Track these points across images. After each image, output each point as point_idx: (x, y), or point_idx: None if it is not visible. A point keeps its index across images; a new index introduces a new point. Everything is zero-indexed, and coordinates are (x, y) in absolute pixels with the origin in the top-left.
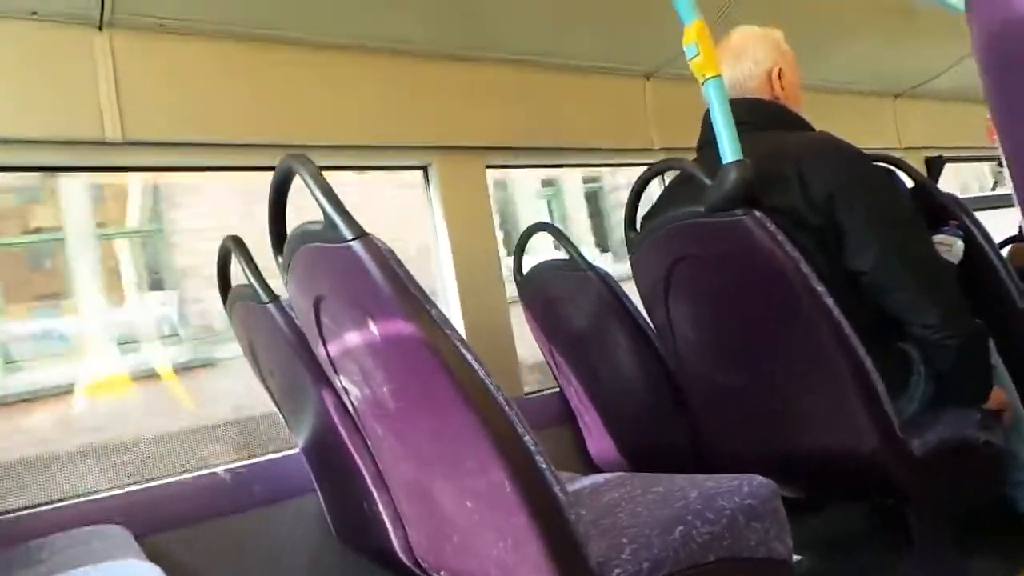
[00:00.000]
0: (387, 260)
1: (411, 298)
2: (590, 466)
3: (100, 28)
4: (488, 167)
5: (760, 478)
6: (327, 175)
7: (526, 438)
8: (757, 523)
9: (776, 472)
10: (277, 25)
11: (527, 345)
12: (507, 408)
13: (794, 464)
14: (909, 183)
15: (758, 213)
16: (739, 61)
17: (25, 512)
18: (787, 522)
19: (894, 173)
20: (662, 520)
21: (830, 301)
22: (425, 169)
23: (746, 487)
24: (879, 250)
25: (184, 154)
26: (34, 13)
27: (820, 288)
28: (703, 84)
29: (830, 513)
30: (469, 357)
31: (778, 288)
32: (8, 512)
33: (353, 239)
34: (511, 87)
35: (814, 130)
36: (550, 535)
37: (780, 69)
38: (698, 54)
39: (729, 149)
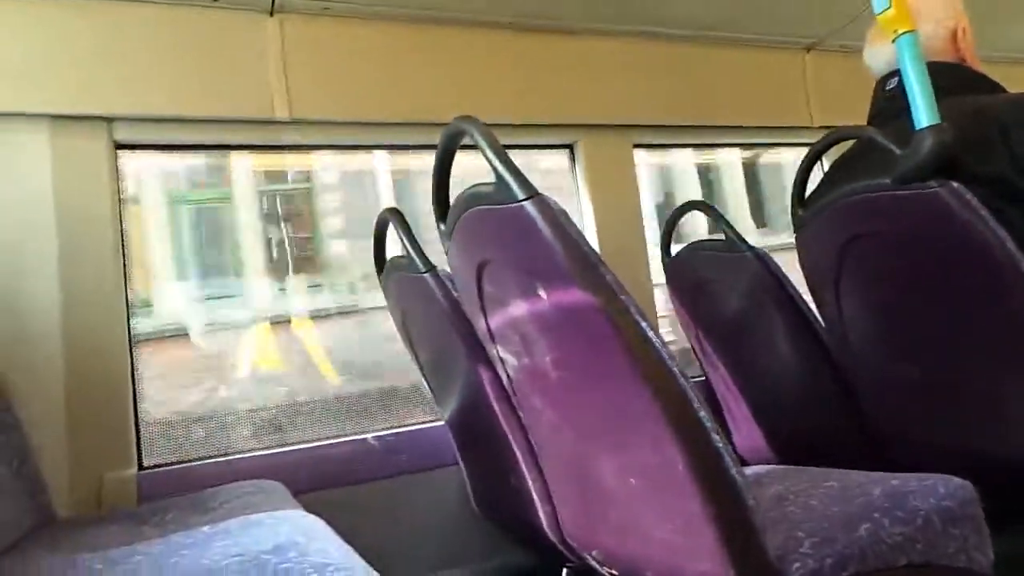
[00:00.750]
0: (560, 220)
1: (586, 262)
2: (737, 459)
3: (271, 13)
4: (636, 146)
5: (957, 479)
6: (477, 155)
7: (702, 414)
8: (955, 529)
9: (966, 479)
10: (431, 6)
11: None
12: (683, 381)
13: (989, 470)
14: None
15: (956, 184)
16: (919, 20)
17: (196, 463)
18: (987, 530)
19: None
20: (843, 515)
21: None
22: (571, 148)
23: (942, 488)
24: None
25: (347, 133)
26: (214, 0)
27: None
28: (895, 41)
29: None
30: (645, 326)
31: (979, 269)
32: (183, 462)
33: (525, 199)
34: (660, 63)
35: (1002, 88)
36: (726, 520)
37: (964, 27)
38: (889, 7)
39: (925, 112)
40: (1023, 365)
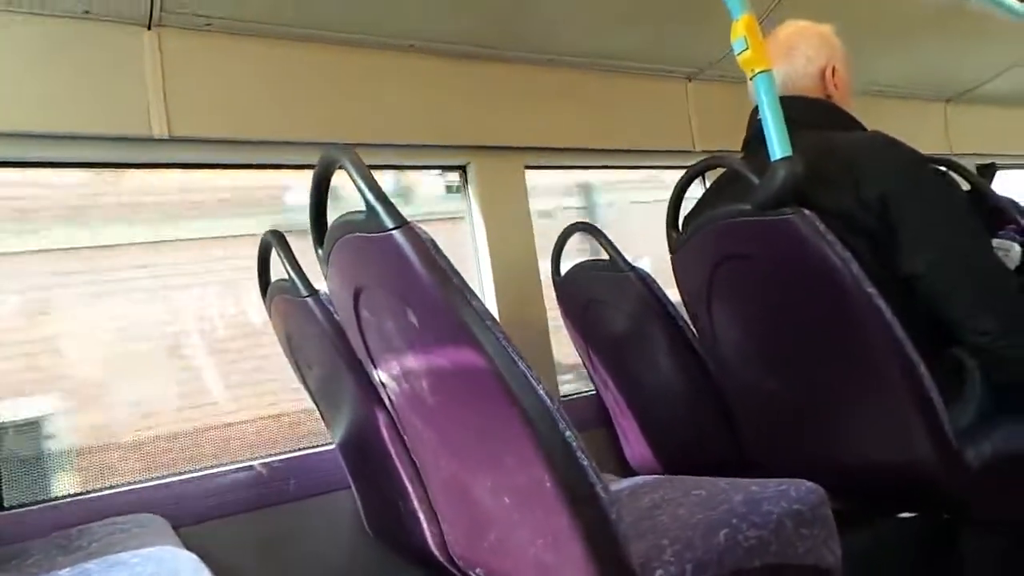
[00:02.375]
0: (428, 250)
1: (453, 288)
2: (626, 471)
3: (148, 27)
4: (527, 167)
5: (808, 483)
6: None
7: (567, 433)
8: (806, 529)
9: (823, 482)
10: (319, 25)
11: (561, 347)
12: (549, 402)
13: (842, 474)
14: (964, 186)
15: (807, 212)
16: (790, 58)
17: (64, 500)
18: (836, 530)
19: (949, 175)
20: (705, 523)
21: (883, 304)
22: (464, 169)
23: (793, 492)
24: (936, 252)
25: (228, 151)
26: (86, 12)
27: (872, 290)
28: (752, 79)
29: (878, 528)
30: (511, 350)
31: (828, 290)
32: (47, 500)
33: (394, 228)
34: (550, 88)
35: (866, 130)
36: (591, 533)
37: (834, 67)
38: (747, 48)
39: (778, 145)
40: (866, 377)
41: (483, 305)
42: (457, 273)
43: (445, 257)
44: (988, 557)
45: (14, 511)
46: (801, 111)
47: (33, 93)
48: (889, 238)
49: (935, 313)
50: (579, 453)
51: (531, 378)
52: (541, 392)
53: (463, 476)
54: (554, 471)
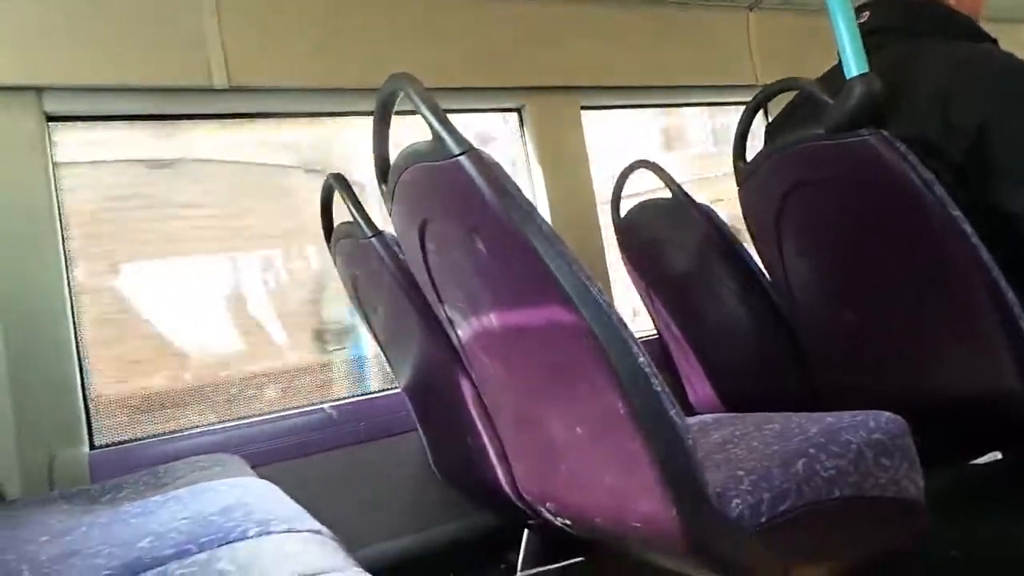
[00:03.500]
0: (496, 175)
1: (522, 212)
2: (691, 414)
3: None
4: (583, 108)
5: (888, 414)
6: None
7: (641, 358)
8: (886, 459)
9: (902, 415)
10: None
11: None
12: (620, 327)
13: (925, 410)
14: None
15: (884, 132)
16: None
17: (150, 440)
18: (918, 460)
19: None
20: (782, 453)
21: (969, 228)
22: (519, 112)
23: (872, 422)
24: None
25: (288, 100)
26: None
27: (958, 213)
28: None
29: (963, 467)
30: (581, 273)
31: (910, 214)
32: (133, 440)
33: (460, 154)
34: (605, 25)
35: (985, 37)
36: (667, 458)
37: None
38: None
39: (854, 61)
40: (951, 306)
41: (552, 229)
42: (525, 198)
43: (513, 182)
44: None
45: (102, 450)
46: (900, 14)
47: (94, 47)
48: (980, 171)
49: None
50: (653, 379)
51: (603, 303)
52: (614, 318)
53: (533, 410)
54: (628, 397)
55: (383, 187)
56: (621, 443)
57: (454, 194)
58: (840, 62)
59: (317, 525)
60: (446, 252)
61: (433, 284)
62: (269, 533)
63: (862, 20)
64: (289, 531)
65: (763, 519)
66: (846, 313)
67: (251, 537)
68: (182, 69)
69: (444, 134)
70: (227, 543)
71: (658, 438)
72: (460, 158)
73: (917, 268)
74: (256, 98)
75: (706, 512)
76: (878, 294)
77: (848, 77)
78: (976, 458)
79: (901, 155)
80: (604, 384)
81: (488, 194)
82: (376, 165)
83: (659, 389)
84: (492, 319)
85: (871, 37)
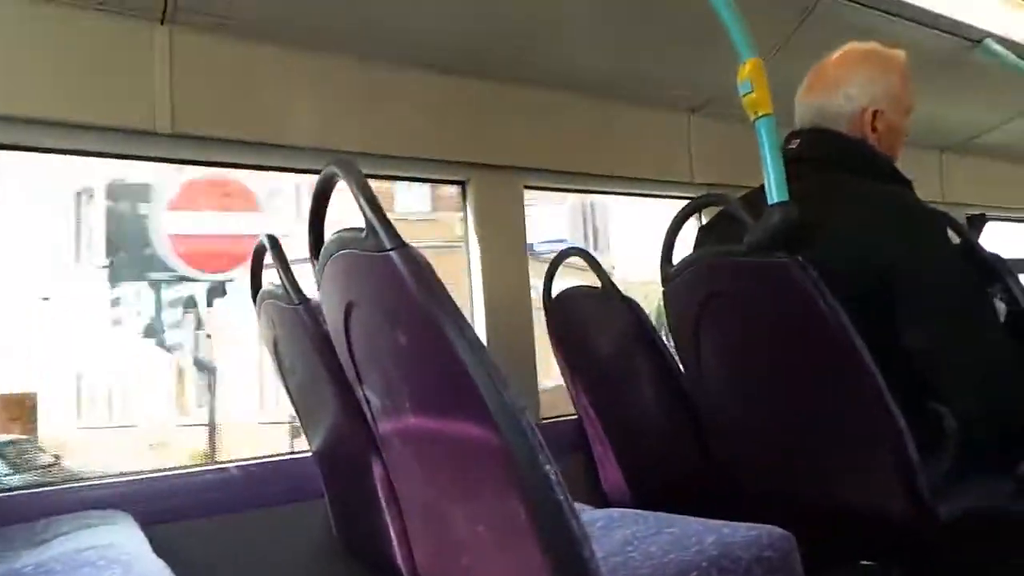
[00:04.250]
0: (425, 274)
1: (446, 315)
2: (600, 498)
3: (162, 22)
4: (526, 187)
5: (779, 530)
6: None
7: (547, 467)
8: None
9: (795, 524)
10: (330, 34)
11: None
12: (530, 435)
13: (814, 517)
14: (954, 240)
15: (800, 258)
16: (829, 91)
17: (36, 490)
18: None
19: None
20: (676, 563)
21: (867, 357)
22: (463, 185)
23: (765, 538)
24: (938, 327)
25: (231, 152)
26: (101, 3)
27: (859, 341)
28: (755, 122)
29: (843, 571)
30: (496, 379)
31: (814, 336)
32: (11, 489)
33: (391, 249)
34: (553, 110)
35: (900, 179)
36: (563, 570)
37: (876, 110)
38: (752, 91)
39: (776, 189)
40: (846, 425)
41: (476, 335)
42: (451, 300)
43: (440, 283)
44: None
45: None
46: (828, 150)
47: (41, 80)
48: (887, 302)
49: (927, 380)
50: (556, 488)
51: (515, 410)
52: (524, 424)
53: (439, 499)
54: (530, 505)
55: (315, 262)
56: (520, 548)
57: (381, 286)
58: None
59: None
60: (369, 338)
61: (354, 363)
62: None
63: (792, 146)
64: None
65: None
66: (751, 419)
67: None
68: (127, 111)
69: (378, 227)
70: None
71: (557, 548)
72: (391, 253)
73: (819, 387)
74: (198, 146)
75: None
76: (781, 405)
77: (769, 203)
78: (864, 562)
79: (812, 280)
80: (508, 489)
81: (415, 293)
82: (310, 242)
83: (561, 499)
84: (408, 412)
85: (797, 164)
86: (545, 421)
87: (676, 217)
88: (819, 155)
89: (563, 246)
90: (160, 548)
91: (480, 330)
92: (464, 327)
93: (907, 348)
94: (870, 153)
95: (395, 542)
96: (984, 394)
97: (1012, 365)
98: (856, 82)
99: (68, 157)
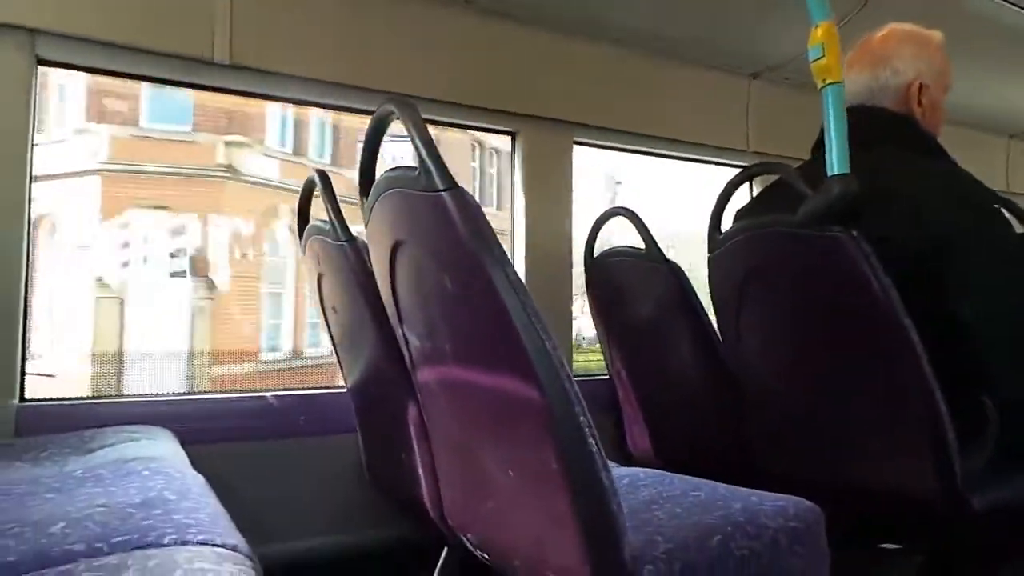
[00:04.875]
0: (475, 216)
1: (493, 257)
2: (626, 459)
3: None
4: (576, 142)
5: (807, 502)
6: None
7: (581, 419)
8: (799, 547)
9: (824, 500)
10: None
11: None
12: (568, 384)
13: (843, 496)
14: (1017, 228)
15: (855, 233)
16: (876, 67)
17: (83, 401)
18: (828, 553)
19: (1003, 212)
20: (701, 526)
21: (916, 338)
22: (514, 136)
23: (792, 509)
24: (986, 303)
25: (286, 86)
26: None
27: (908, 322)
28: (822, 89)
29: (872, 554)
30: (538, 326)
31: (864, 314)
32: (63, 400)
33: (444, 190)
34: (609, 66)
35: (947, 158)
36: (591, 520)
37: (922, 84)
38: (822, 56)
39: (837, 161)
40: (886, 406)
41: (520, 281)
42: (500, 246)
43: (490, 226)
44: None
45: (31, 404)
46: (876, 126)
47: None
48: (938, 276)
49: (972, 360)
50: (590, 439)
51: (555, 359)
52: (563, 374)
53: (470, 442)
54: (563, 453)
55: (364, 200)
56: (549, 495)
57: (430, 227)
58: (823, 150)
59: (235, 539)
60: (414, 278)
61: (396, 303)
62: (185, 543)
63: None
64: (205, 543)
65: None
66: (788, 392)
67: (165, 544)
68: (184, 38)
69: (431, 166)
70: (140, 547)
71: (586, 498)
72: (443, 193)
73: (862, 364)
74: (255, 78)
75: (619, 574)
76: (821, 380)
77: (829, 174)
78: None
79: (866, 256)
80: (543, 437)
81: (464, 234)
82: (360, 178)
83: (594, 450)
84: (448, 355)
85: (850, 141)
86: (577, 378)
87: (729, 183)
88: (867, 131)
89: None
90: (196, 465)
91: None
92: (511, 273)
93: (955, 320)
94: (918, 130)
95: (423, 481)
96: None
97: None
98: (903, 56)
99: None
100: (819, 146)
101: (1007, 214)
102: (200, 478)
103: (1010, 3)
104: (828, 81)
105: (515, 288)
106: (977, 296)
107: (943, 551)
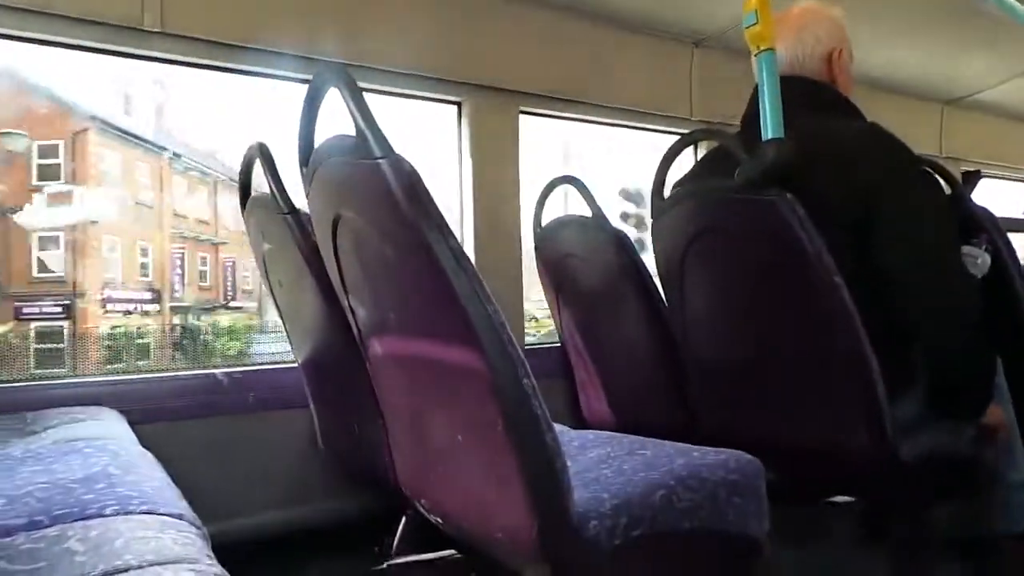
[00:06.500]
0: (413, 183)
1: (431, 224)
2: (580, 423)
3: None
4: (522, 112)
5: (747, 455)
6: None
7: (525, 381)
8: (738, 498)
9: (766, 456)
10: None
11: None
12: (510, 347)
13: (783, 452)
14: (945, 190)
15: (789, 196)
16: (800, 37)
17: (18, 384)
18: (767, 503)
19: (932, 175)
20: (646, 481)
21: (846, 295)
22: (459, 105)
23: (732, 462)
24: (910, 250)
25: (219, 54)
26: None
27: (839, 280)
28: (756, 56)
29: (810, 506)
30: (480, 293)
31: (797, 273)
32: (5, 382)
33: (382, 158)
34: (554, 34)
35: (865, 120)
36: (536, 479)
37: (840, 51)
38: (756, 23)
39: (772, 126)
40: (819, 361)
41: (460, 247)
42: (439, 213)
43: (428, 193)
44: (906, 546)
45: None
46: (803, 93)
47: None
48: (865, 231)
49: (898, 309)
50: (534, 401)
51: (496, 324)
52: (505, 338)
53: (420, 408)
54: (507, 415)
55: (304, 169)
56: (496, 457)
57: (369, 195)
58: (753, 111)
59: (180, 508)
60: (356, 248)
61: (340, 273)
62: (128, 513)
63: None
64: (148, 512)
65: (617, 541)
66: (730, 353)
67: (107, 515)
68: (112, 2)
69: (368, 135)
70: (81, 519)
71: (531, 458)
72: (381, 161)
73: (796, 322)
74: (187, 45)
75: (565, 530)
76: (759, 340)
77: (764, 139)
78: (831, 498)
79: (799, 219)
80: (488, 400)
81: (402, 202)
82: (300, 148)
83: (539, 412)
84: (393, 325)
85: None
86: (529, 346)
87: (669, 150)
88: (797, 98)
89: None
90: (145, 445)
91: (469, 252)
92: (451, 240)
93: (882, 270)
94: (839, 95)
95: (377, 450)
96: (955, 317)
97: (979, 312)
98: (822, 26)
99: None
100: (749, 115)
101: (936, 176)
102: (148, 455)
103: None
104: (762, 48)
105: (455, 255)
106: (902, 245)
107: (879, 501)
